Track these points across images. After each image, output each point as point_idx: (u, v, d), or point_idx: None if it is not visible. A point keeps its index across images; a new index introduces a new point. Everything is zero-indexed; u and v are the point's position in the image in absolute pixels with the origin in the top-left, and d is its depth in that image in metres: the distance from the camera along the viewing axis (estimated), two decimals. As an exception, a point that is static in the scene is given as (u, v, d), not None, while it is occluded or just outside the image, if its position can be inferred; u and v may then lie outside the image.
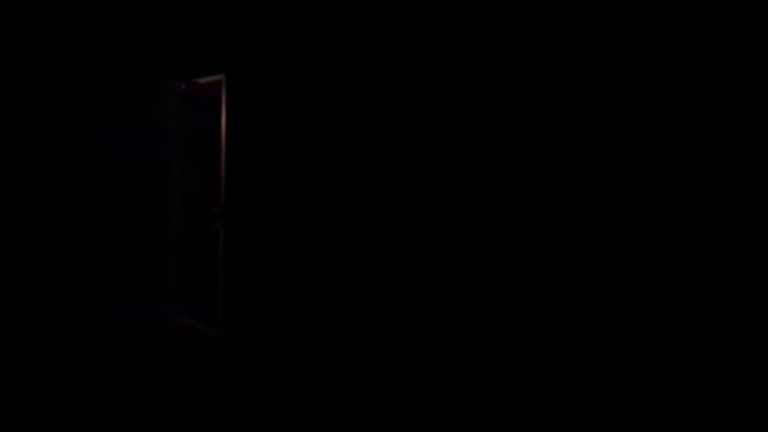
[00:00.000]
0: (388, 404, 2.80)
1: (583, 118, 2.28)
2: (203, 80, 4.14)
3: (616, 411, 2.23)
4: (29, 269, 2.88)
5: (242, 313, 3.81)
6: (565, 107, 2.33)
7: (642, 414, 2.17)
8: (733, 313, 2.01)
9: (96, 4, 3.40)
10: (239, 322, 3.84)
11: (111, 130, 4.08)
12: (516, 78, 2.49)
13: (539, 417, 2.40)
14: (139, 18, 3.69)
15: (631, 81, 2.20)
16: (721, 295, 2.04)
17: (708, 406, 2.05)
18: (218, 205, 3.93)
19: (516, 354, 2.50)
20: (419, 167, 2.83)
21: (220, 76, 3.96)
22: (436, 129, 2.76)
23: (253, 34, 3.63)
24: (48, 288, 2.98)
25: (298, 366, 3.38)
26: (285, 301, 3.51)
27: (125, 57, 4.08)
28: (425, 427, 2.54)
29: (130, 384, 3.04)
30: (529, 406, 2.43)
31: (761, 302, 1.97)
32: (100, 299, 3.36)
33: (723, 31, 2.01)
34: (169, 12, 3.69)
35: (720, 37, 2.02)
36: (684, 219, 2.10)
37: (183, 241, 4.44)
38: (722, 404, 2.02)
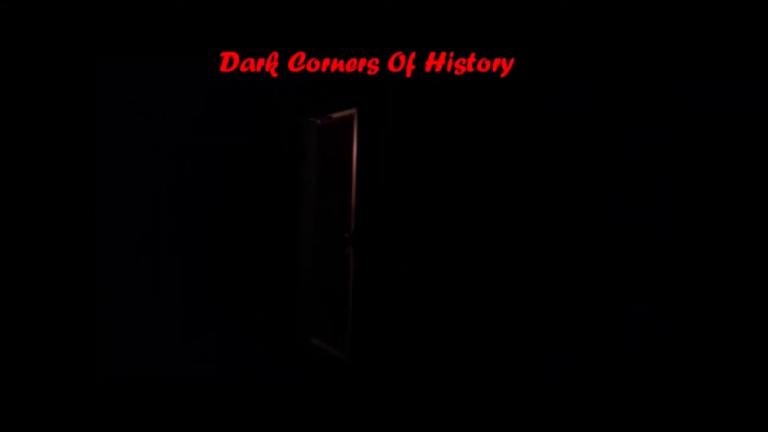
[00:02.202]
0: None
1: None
2: (336, 115, 4.42)
3: None
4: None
5: (370, 337, 3.89)
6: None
7: None
8: None
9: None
10: (367, 347, 3.92)
11: (258, 162, 4.49)
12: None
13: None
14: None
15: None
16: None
17: None
18: (349, 231, 4.12)
19: None
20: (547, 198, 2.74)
21: (352, 110, 4.20)
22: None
23: (386, 70, 3.82)
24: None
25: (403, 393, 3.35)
26: (412, 329, 3.52)
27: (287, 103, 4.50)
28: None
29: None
30: None
31: None
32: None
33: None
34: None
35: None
36: None
37: (315, 264, 4.68)
38: None
